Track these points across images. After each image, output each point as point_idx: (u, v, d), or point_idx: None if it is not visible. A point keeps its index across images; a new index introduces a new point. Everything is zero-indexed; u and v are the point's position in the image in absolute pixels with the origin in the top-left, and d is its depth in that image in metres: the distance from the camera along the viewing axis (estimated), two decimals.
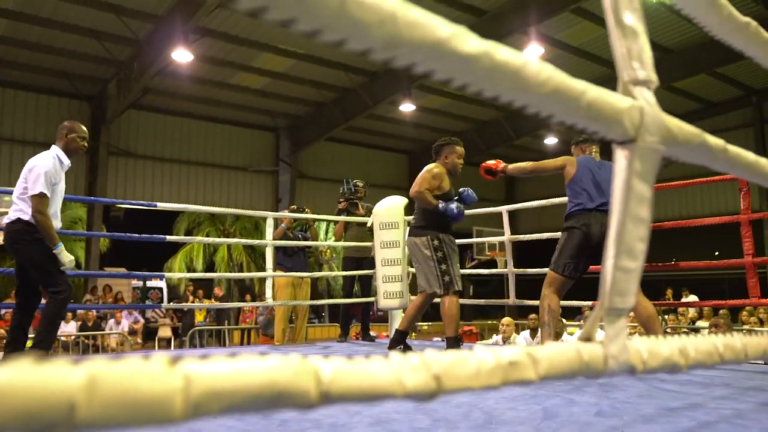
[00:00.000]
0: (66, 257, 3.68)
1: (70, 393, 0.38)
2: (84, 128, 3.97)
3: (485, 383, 0.60)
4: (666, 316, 9.55)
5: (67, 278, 3.73)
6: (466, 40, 0.57)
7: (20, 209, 3.64)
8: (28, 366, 0.38)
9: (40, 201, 3.59)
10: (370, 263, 5.85)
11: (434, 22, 0.54)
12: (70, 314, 10.94)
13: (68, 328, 10.64)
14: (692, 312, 10.52)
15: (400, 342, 4.37)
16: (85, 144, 3.97)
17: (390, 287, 5.26)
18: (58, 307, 3.69)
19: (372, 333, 6.17)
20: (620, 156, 0.77)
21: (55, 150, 3.80)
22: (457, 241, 4.39)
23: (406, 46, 0.52)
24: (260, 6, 0.44)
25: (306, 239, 6.46)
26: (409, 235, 4.35)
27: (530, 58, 0.64)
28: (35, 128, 13.30)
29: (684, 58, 12.62)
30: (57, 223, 3.75)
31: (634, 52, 0.82)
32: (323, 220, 12.42)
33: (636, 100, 0.78)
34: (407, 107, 14.19)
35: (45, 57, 12.25)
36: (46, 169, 3.64)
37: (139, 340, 11.72)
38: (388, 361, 0.54)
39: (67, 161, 3.82)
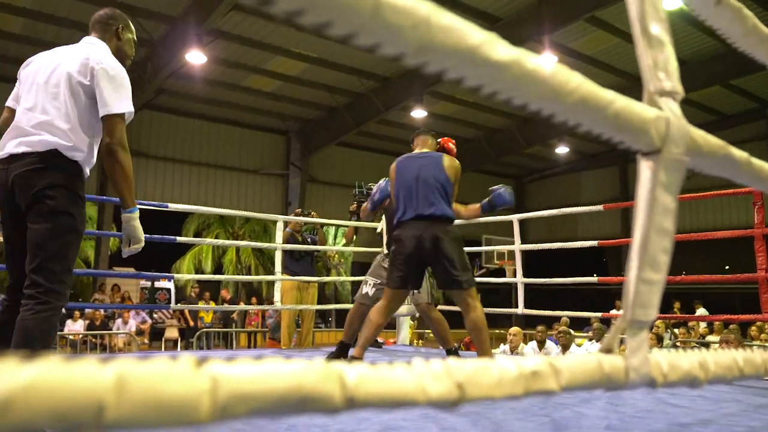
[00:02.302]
0: (139, 230, 2.48)
1: (99, 393, 0.38)
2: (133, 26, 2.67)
3: (508, 392, 0.59)
4: (676, 330, 9.47)
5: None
6: (497, 48, 0.56)
7: (61, 133, 2.25)
8: (57, 364, 0.38)
9: (123, 128, 2.33)
10: None
11: (466, 28, 0.54)
12: (78, 313, 11.00)
13: (76, 327, 10.69)
14: (702, 326, 10.44)
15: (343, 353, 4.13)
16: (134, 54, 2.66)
17: None
18: (56, 314, 2.19)
19: (379, 339, 6.16)
20: (645, 167, 0.77)
21: (107, 52, 2.41)
22: (466, 249, 4.38)
23: (438, 52, 0.52)
24: (296, 9, 0.44)
25: (314, 243, 6.46)
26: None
27: (559, 67, 0.64)
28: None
29: (698, 69, 12.58)
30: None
31: (660, 63, 0.81)
32: (332, 225, 12.43)
33: (662, 110, 0.78)
34: (419, 113, 14.20)
35: None
36: (127, 77, 2.37)
37: (146, 341, 11.75)
38: (411, 368, 0.54)
39: None
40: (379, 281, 4.26)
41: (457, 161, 3.69)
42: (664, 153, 0.75)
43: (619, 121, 0.70)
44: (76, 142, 2.29)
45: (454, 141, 4.13)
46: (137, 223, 2.47)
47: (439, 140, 3.99)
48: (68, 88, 2.29)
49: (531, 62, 0.60)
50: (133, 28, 2.65)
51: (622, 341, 0.75)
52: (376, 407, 0.50)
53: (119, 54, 2.48)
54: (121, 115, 2.32)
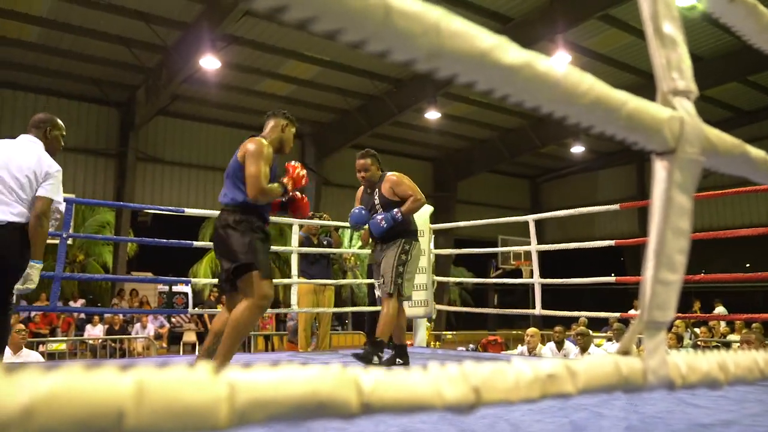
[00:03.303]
0: (37, 277, 3.17)
1: (119, 400, 0.39)
2: (62, 124, 3.47)
3: (524, 396, 0.59)
4: (696, 329, 9.37)
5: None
6: (507, 51, 0.56)
7: (17, 210, 3.07)
8: (78, 372, 0.39)
9: (49, 208, 3.16)
10: None
11: (476, 32, 0.54)
12: (97, 317, 11.12)
13: (95, 332, 10.80)
14: (723, 326, 10.31)
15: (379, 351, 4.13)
16: (63, 143, 3.48)
17: (415, 295, 5.25)
18: (9, 324, 3.19)
19: None
20: (660, 167, 0.76)
21: (39, 147, 3.23)
22: (483, 249, 4.36)
23: (449, 57, 0.52)
24: (308, 17, 0.44)
25: (330, 246, 6.48)
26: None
27: (571, 69, 0.64)
28: (66, 134, 13.52)
29: (714, 66, 12.45)
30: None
31: (674, 62, 0.81)
32: (347, 227, 12.45)
33: (676, 110, 0.77)
34: (432, 115, 14.19)
35: (76, 64, 12.50)
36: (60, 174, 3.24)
37: (165, 345, 11.83)
38: (427, 372, 0.54)
39: None
40: (375, 281, 4.26)
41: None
42: (679, 153, 0.75)
43: (633, 121, 0.70)
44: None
45: None
46: (37, 272, 3.17)
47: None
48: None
49: (542, 65, 0.60)
50: (60, 125, 3.41)
51: (639, 341, 0.75)
52: (392, 412, 0.50)
53: (50, 147, 3.30)
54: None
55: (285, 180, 3.39)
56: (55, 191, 3.18)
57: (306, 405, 0.45)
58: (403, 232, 4.10)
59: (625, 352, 0.74)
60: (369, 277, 6.06)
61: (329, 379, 0.47)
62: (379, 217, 3.96)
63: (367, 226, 4.19)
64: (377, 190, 4.16)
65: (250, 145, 3.32)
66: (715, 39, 11.93)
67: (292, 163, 3.51)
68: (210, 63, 11.12)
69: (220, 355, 3.00)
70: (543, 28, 11.03)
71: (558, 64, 0.62)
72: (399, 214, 3.96)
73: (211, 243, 3.51)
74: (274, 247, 8.16)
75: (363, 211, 4.12)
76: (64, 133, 3.47)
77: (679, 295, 0.78)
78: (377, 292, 4.33)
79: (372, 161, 4.21)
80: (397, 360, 4.07)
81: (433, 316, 5.83)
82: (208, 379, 0.42)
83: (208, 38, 10.55)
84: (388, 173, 4.19)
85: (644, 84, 12.33)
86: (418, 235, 5.25)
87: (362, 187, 4.34)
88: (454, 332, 14.82)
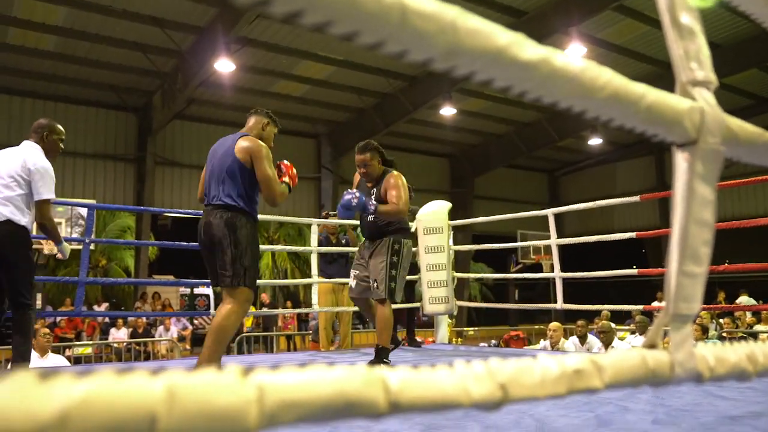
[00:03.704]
0: (67, 250, 3.77)
1: (151, 405, 0.39)
2: (61, 128, 3.68)
3: (551, 392, 0.59)
4: (721, 320, 9.26)
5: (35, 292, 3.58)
6: (524, 48, 0.56)
7: (12, 210, 3.33)
8: (110, 377, 0.39)
9: (50, 207, 3.47)
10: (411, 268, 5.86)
11: (493, 29, 0.54)
12: (120, 321, 11.25)
13: (119, 335, 10.92)
14: (749, 316, 10.18)
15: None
16: (62, 146, 3.70)
17: (435, 292, 5.25)
18: (32, 319, 3.44)
19: (418, 338, 6.15)
20: (681, 159, 0.76)
21: (37, 151, 3.49)
22: (502, 245, 4.28)
23: (466, 55, 0.52)
24: (324, 21, 0.44)
25: (348, 244, 6.49)
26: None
27: (588, 63, 0.64)
28: (85, 140, 13.71)
29: (733, 52, 12.27)
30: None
31: (692, 53, 0.80)
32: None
33: (696, 101, 0.77)
34: (448, 111, 14.15)
35: (93, 71, 12.64)
36: (52, 171, 3.48)
37: (188, 347, 11.94)
38: (453, 370, 0.54)
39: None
40: (357, 272, 4.07)
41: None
42: (700, 144, 0.74)
43: (652, 114, 0.69)
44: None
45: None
46: (66, 247, 3.79)
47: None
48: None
49: (560, 60, 0.59)
50: (58, 129, 3.61)
51: (665, 334, 0.74)
52: (419, 411, 0.51)
53: (47, 149, 3.52)
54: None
55: (287, 180, 3.42)
56: (46, 190, 3.41)
57: (334, 405, 0.46)
58: (394, 230, 3.93)
59: (651, 345, 0.74)
60: None
61: (356, 379, 0.47)
62: (371, 207, 3.69)
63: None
64: (376, 188, 3.96)
65: (250, 145, 3.26)
66: (732, 25, 11.76)
67: (285, 162, 3.50)
68: (225, 66, 11.18)
69: (205, 362, 2.97)
70: (557, 20, 10.95)
71: (575, 59, 0.62)
72: (373, 207, 3.69)
73: None
74: (294, 248, 8.26)
75: (354, 200, 3.68)
76: (63, 137, 3.66)
77: (704, 287, 0.77)
78: (351, 283, 4.11)
79: (372, 155, 3.94)
80: (383, 360, 3.89)
81: (455, 313, 5.81)
82: (237, 381, 0.43)
83: (222, 41, 10.62)
84: (391, 172, 3.98)
85: (662, 74, 12.19)
86: (430, 231, 5.20)
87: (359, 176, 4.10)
88: (476, 328, 14.79)
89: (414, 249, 5.88)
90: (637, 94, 0.68)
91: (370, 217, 3.90)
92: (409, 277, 5.88)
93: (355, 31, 0.47)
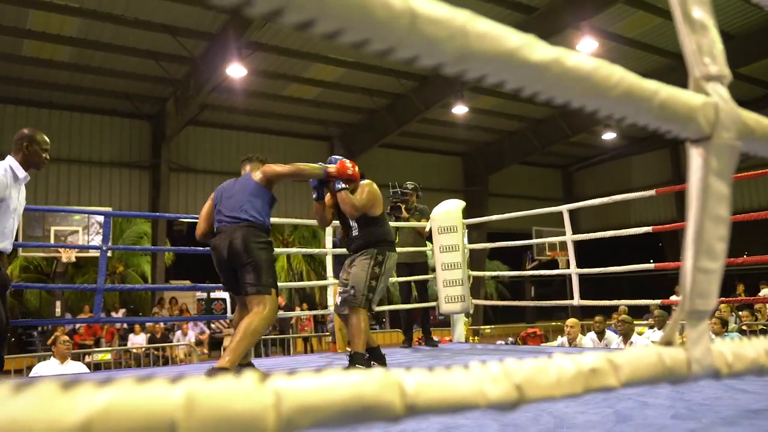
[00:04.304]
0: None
1: (171, 412, 0.40)
2: (45, 138, 3.54)
3: (567, 392, 0.59)
4: (740, 313, 9.16)
5: None
6: (535, 49, 0.56)
7: None
8: (130, 385, 0.40)
9: None
10: (421, 268, 5.85)
11: (503, 32, 0.54)
12: (138, 326, 11.35)
13: (138, 340, 11.02)
14: None
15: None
16: (47, 156, 3.54)
17: (451, 291, 5.24)
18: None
19: (435, 338, 6.14)
20: (695, 154, 0.75)
21: (10, 161, 3.38)
22: (517, 242, 4.28)
23: (477, 59, 0.52)
24: (335, 30, 0.45)
25: None
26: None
27: (600, 62, 0.63)
28: (100, 149, 13.85)
29: (747, 43, 12.13)
30: (6, 245, 3.35)
31: (705, 47, 0.80)
32: None
33: (709, 96, 0.76)
34: (460, 109, 14.12)
35: (107, 80, 12.77)
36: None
37: (206, 351, 12.02)
38: (469, 372, 0.54)
39: (22, 174, 3.40)
40: (342, 289, 3.99)
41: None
42: (715, 139, 0.74)
43: (666, 110, 0.69)
44: None
45: None
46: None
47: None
48: None
49: (571, 60, 0.59)
50: (40, 139, 3.46)
51: (682, 329, 0.74)
52: (436, 413, 0.51)
53: (27, 161, 3.42)
54: None
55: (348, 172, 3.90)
56: None
57: (351, 409, 0.46)
58: (379, 242, 3.94)
59: (668, 342, 0.74)
60: (398, 275, 5.99)
61: (373, 382, 0.48)
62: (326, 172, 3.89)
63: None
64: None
65: (264, 168, 3.71)
66: (745, 15, 11.63)
67: (346, 162, 3.95)
68: (236, 71, 11.25)
69: (231, 352, 3.24)
70: (568, 15, 10.88)
71: (586, 59, 0.62)
72: (326, 173, 3.89)
73: None
74: (309, 250, 8.31)
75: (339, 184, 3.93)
76: (47, 146, 3.53)
77: (721, 282, 0.77)
78: (337, 299, 4.08)
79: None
80: (357, 365, 3.85)
81: (471, 311, 5.80)
82: (255, 387, 0.43)
83: (233, 47, 10.69)
84: (363, 181, 4.05)
85: (675, 66, 12.08)
86: (444, 230, 5.20)
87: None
88: (493, 326, 14.76)
89: (429, 249, 5.87)
90: (650, 91, 0.68)
91: (354, 233, 4.01)
92: (423, 277, 5.90)
93: (365, 39, 0.47)
